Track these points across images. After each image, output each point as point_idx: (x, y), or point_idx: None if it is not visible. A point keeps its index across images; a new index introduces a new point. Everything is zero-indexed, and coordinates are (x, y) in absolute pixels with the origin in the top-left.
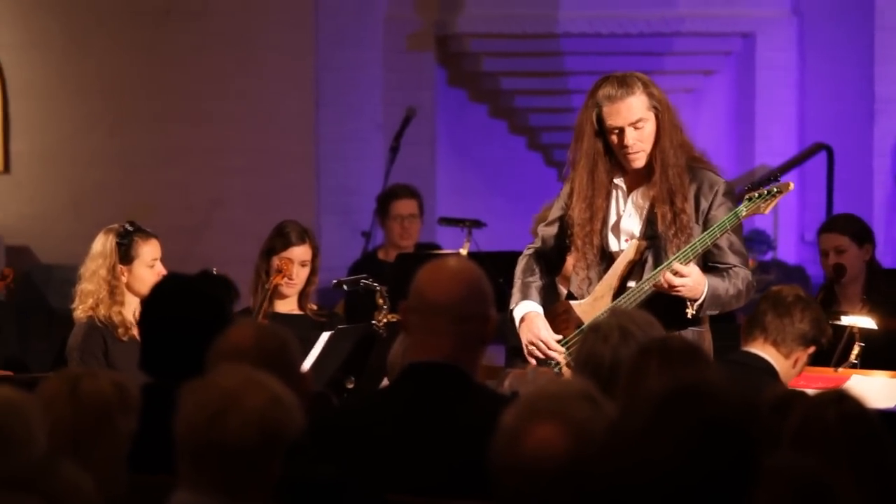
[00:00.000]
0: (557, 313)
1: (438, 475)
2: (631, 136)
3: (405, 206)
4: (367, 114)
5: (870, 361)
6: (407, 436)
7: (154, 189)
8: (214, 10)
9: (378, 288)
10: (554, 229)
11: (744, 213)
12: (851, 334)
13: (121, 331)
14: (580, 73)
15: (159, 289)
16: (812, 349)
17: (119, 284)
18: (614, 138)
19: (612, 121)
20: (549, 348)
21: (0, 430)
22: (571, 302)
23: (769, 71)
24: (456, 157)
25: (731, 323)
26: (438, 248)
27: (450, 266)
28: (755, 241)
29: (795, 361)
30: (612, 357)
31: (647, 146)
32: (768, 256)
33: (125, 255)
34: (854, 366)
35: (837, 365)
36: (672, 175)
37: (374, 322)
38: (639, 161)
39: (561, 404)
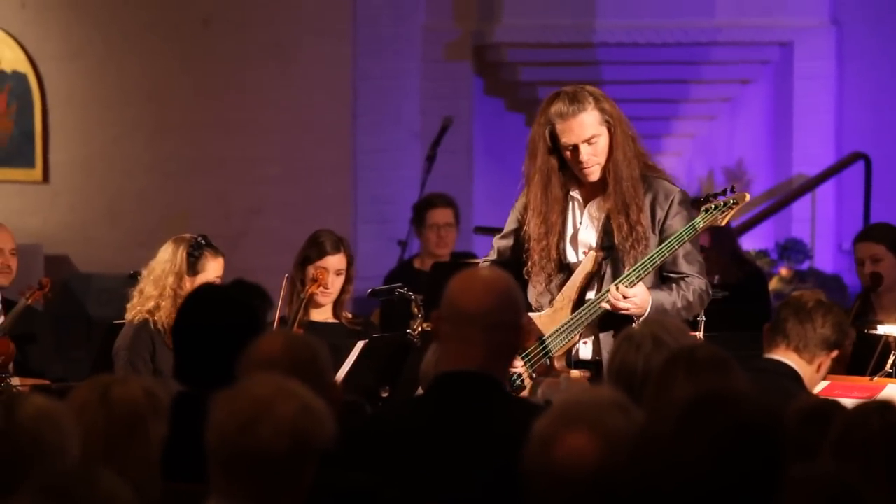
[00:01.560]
0: None
1: (471, 484)
2: (585, 152)
3: (441, 215)
4: (404, 123)
5: None
6: (439, 444)
7: (191, 198)
8: (253, 20)
9: (413, 297)
10: (510, 241)
11: (701, 225)
12: (887, 343)
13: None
14: (617, 82)
15: (193, 297)
16: (835, 353)
17: (183, 293)
18: (568, 154)
19: (566, 138)
20: None
21: (34, 439)
22: (531, 314)
23: (807, 80)
24: (492, 166)
25: (755, 331)
26: (474, 257)
27: (481, 275)
28: (792, 250)
29: (819, 366)
30: (644, 366)
31: (602, 159)
32: (805, 265)
33: (192, 266)
34: (890, 375)
35: (873, 374)
36: (626, 187)
37: (409, 331)
38: (594, 175)
39: (593, 412)
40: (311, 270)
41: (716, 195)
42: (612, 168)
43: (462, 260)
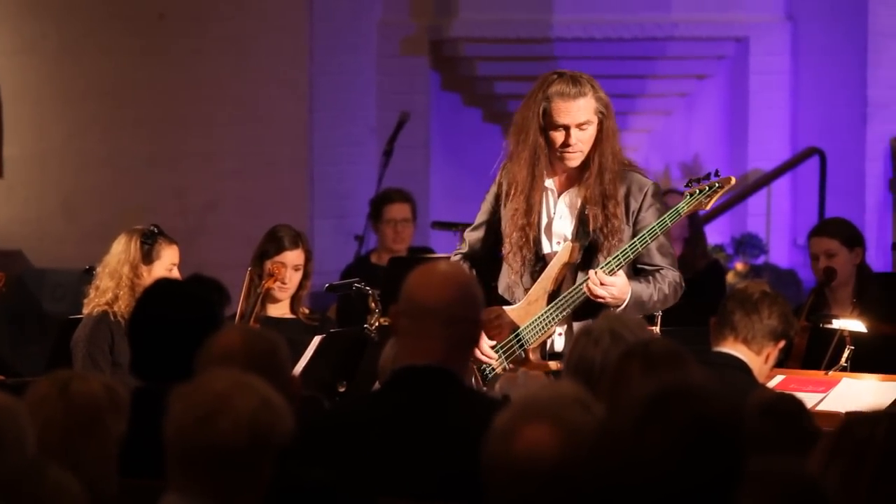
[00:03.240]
0: (489, 318)
1: (429, 478)
2: (575, 136)
3: (398, 210)
4: (360, 118)
5: (860, 365)
6: (397, 439)
7: (147, 193)
8: (209, 15)
9: (370, 292)
10: (481, 233)
11: (685, 210)
12: (842, 338)
13: None
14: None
15: (150, 292)
16: (782, 343)
17: (140, 283)
18: (557, 136)
19: (560, 118)
20: (481, 354)
21: None
22: (505, 307)
23: (762, 75)
24: (449, 161)
25: (701, 326)
26: (432, 251)
27: (439, 270)
28: (747, 244)
29: (767, 357)
30: (602, 360)
31: (586, 148)
32: (760, 260)
33: (147, 255)
34: (844, 369)
35: (828, 368)
36: (607, 180)
37: (366, 326)
38: (574, 161)
39: (553, 406)
40: (268, 265)
41: (699, 179)
42: (598, 159)
43: (419, 255)
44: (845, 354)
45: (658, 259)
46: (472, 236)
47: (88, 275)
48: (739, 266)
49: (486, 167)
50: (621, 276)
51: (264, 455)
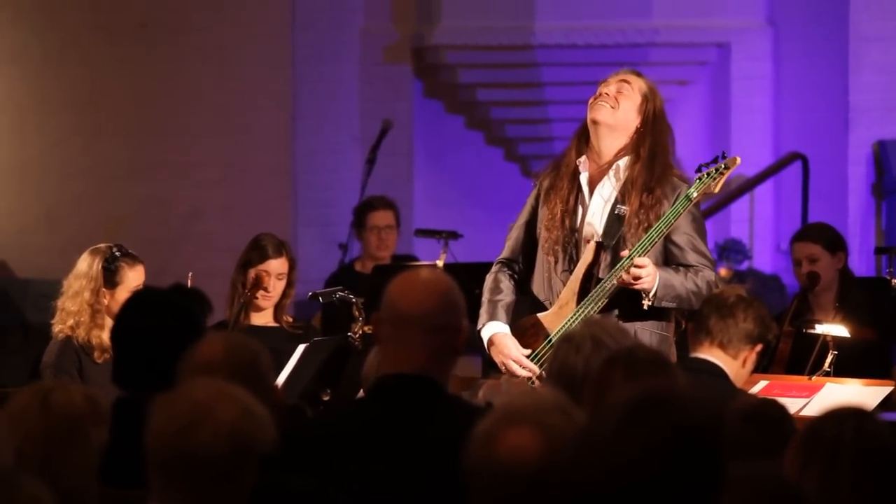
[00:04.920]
0: (526, 328)
1: (412, 486)
2: (612, 87)
3: (381, 218)
4: (343, 126)
5: (843, 369)
6: (380, 447)
7: (130, 202)
8: (191, 25)
9: (354, 300)
10: (521, 234)
11: (695, 195)
12: (825, 343)
13: (97, 353)
14: (556, 83)
15: (132, 301)
16: (759, 347)
17: (101, 308)
18: (600, 89)
19: (607, 79)
20: (522, 367)
21: None
22: (539, 315)
23: (744, 81)
24: (433, 168)
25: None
26: (415, 259)
27: (422, 277)
28: (731, 250)
29: (744, 361)
30: (584, 367)
31: (619, 111)
32: (744, 266)
33: (110, 279)
34: (828, 374)
35: (811, 373)
36: (657, 168)
37: (350, 334)
38: (601, 113)
39: (534, 411)
40: (252, 274)
41: (707, 164)
42: (650, 146)
43: (403, 262)
44: (828, 359)
45: (692, 257)
46: (512, 237)
47: None
48: (723, 272)
49: (470, 174)
50: (647, 261)
51: (245, 464)
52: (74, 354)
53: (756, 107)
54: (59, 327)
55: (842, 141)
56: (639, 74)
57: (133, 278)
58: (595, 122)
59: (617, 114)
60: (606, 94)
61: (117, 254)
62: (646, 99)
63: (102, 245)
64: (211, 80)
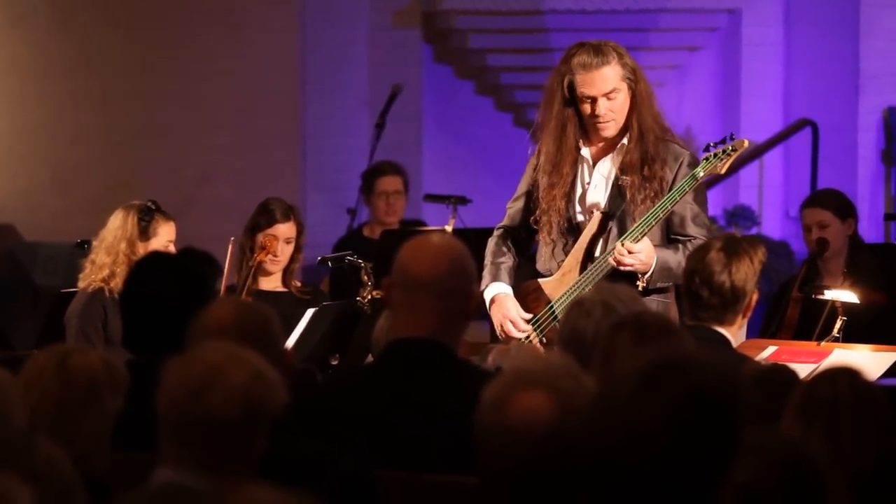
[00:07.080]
0: (528, 292)
1: (422, 450)
2: (603, 106)
3: (390, 183)
4: (353, 91)
5: (852, 335)
6: (390, 411)
7: (139, 166)
8: None
9: (363, 265)
10: (521, 203)
11: (701, 175)
12: (834, 308)
13: None
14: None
15: (141, 265)
16: (755, 295)
17: (136, 259)
18: (586, 107)
19: (586, 90)
20: (518, 328)
21: None
22: (540, 280)
23: (754, 47)
24: (442, 133)
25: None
26: (424, 224)
27: (433, 242)
28: (740, 216)
29: (744, 312)
30: (594, 333)
31: (619, 117)
32: (753, 232)
33: (144, 231)
34: (836, 339)
35: (820, 339)
36: (650, 140)
37: (358, 299)
38: (609, 130)
39: (545, 374)
40: (260, 238)
41: (715, 144)
42: (637, 123)
43: (411, 227)
44: (837, 325)
45: (692, 230)
46: (513, 208)
47: (80, 248)
48: None
49: (479, 139)
50: (646, 242)
51: (257, 427)
52: (101, 307)
53: (766, 73)
54: (91, 279)
55: (852, 107)
56: (619, 54)
57: (166, 233)
58: (607, 139)
59: (619, 120)
60: (608, 112)
61: (152, 207)
62: (630, 83)
63: (136, 202)
64: (219, 44)
